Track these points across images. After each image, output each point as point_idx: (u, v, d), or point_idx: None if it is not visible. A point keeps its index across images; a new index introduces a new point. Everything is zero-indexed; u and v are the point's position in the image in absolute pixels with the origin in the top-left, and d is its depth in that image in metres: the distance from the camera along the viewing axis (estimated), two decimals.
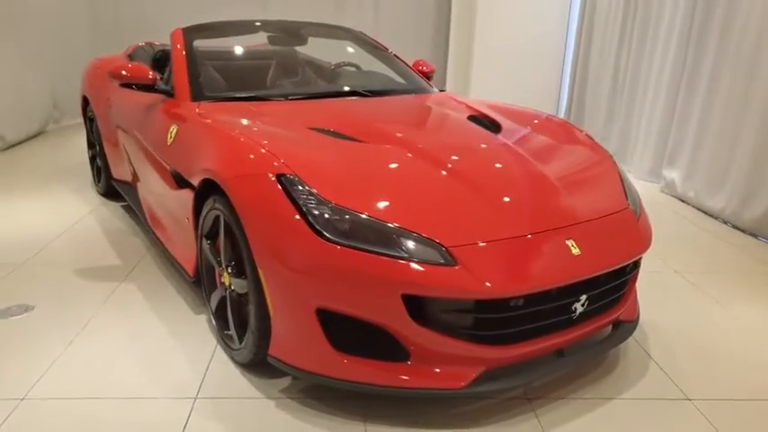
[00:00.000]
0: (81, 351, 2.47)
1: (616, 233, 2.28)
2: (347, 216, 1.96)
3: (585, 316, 2.18)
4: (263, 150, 2.17)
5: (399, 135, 2.56)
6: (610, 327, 2.40)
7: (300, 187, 2.01)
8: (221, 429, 2.02)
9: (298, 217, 1.95)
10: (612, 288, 2.26)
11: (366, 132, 2.54)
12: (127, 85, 3.02)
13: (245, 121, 2.60)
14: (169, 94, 3.02)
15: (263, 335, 2.12)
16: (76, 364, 2.37)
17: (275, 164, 2.10)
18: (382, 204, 2.03)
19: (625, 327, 2.42)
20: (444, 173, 2.26)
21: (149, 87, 3.02)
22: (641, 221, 2.43)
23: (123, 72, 2.95)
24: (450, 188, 2.20)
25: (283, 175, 2.05)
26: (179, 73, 3.05)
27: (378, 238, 1.93)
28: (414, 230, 1.95)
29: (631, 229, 2.36)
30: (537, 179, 2.38)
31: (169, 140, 2.76)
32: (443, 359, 1.99)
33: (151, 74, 2.99)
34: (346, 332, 1.98)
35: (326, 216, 1.95)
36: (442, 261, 1.91)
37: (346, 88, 3.39)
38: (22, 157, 5.79)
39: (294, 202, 1.98)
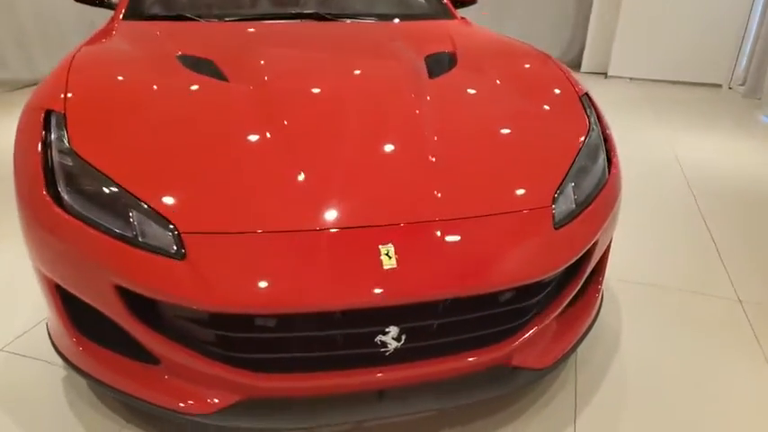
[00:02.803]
0: None
1: (496, 244, 1.52)
2: (88, 175, 1.52)
3: (420, 353, 1.52)
4: (64, 81, 1.79)
5: (274, 73, 1.99)
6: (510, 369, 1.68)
7: (60, 130, 1.62)
8: None
9: (40, 164, 1.57)
10: (473, 322, 1.54)
11: (242, 66, 2.01)
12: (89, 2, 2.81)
13: (117, 45, 2.22)
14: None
15: None
16: None
17: (57, 99, 1.71)
18: (145, 168, 1.55)
19: (521, 374, 1.67)
20: (268, 134, 1.67)
21: (102, 3, 2.77)
22: (565, 231, 1.60)
23: None
24: (257, 154, 1.62)
25: (52, 112, 1.67)
26: None
27: (113, 208, 1.48)
28: (153, 205, 1.46)
29: (533, 240, 1.56)
30: (404, 154, 1.68)
31: None
32: (194, 376, 1.52)
33: None
34: (91, 315, 1.59)
35: (68, 170, 1.54)
36: (171, 251, 1.40)
37: (314, 11, 2.78)
38: None
39: (47, 145, 1.60)
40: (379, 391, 1.55)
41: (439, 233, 1.48)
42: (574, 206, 1.67)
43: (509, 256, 1.51)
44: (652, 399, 1.86)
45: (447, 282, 1.43)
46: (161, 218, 1.43)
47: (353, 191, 1.54)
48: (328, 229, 1.45)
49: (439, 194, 1.56)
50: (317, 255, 1.42)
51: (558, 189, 1.66)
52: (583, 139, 1.84)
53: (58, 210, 1.49)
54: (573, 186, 1.70)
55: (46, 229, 1.52)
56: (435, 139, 1.73)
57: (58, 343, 1.70)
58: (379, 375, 1.50)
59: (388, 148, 1.70)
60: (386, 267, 1.41)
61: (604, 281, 1.96)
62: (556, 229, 1.59)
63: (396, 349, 1.47)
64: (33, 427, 1.69)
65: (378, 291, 1.39)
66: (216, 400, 1.50)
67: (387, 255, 1.42)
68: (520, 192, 1.64)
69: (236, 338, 1.45)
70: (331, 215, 1.47)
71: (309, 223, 1.45)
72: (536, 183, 1.68)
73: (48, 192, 1.52)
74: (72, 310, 1.61)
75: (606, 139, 1.94)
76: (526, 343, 1.65)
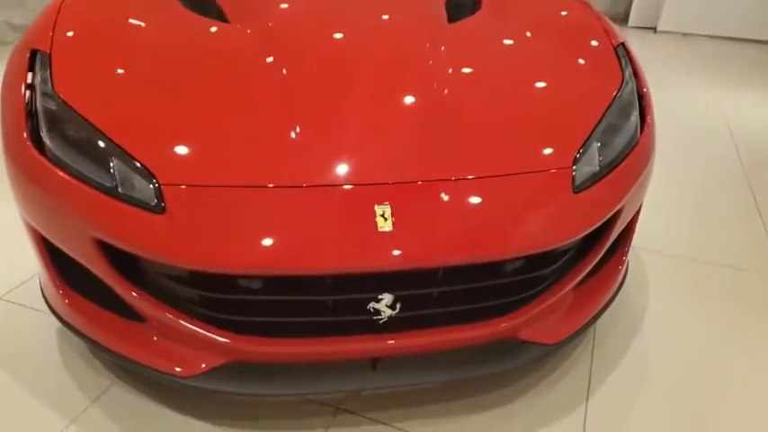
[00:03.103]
0: None
1: (505, 208, 1.38)
2: (70, 120, 1.43)
3: (419, 322, 1.41)
4: (53, 19, 1.68)
5: (280, 16, 1.84)
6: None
7: (44, 71, 1.52)
8: None
9: (23, 107, 1.48)
10: (478, 291, 1.42)
11: (247, 8, 1.86)
12: None
13: None
14: None
15: None
16: None
17: (45, 38, 1.61)
18: (130, 114, 1.44)
19: (529, 349, 1.54)
20: (266, 83, 1.55)
21: None
22: (585, 196, 1.45)
23: None
24: (251, 103, 1.50)
25: (38, 51, 1.57)
26: None
27: (93, 156, 1.38)
28: (135, 154, 1.36)
29: (549, 205, 1.41)
30: (411, 108, 1.54)
31: None
32: (178, 336, 1.45)
33: None
34: (77, 269, 1.52)
35: (50, 114, 1.45)
36: (151, 203, 1.31)
37: None
38: None
39: (31, 87, 1.51)
40: (373, 360, 1.45)
41: (443, 194, 1.35)
42: (597, 168, 1.50)
43: (520, 221, 1.37)
44: (673, 384, 1.71)
45: (448, 248, 1.30)
46: (142, 168, 1.33)
47: (351, 146, 1.41)
48: (320, 185, 1.33)
49: (445, 152, 1.42)
50: (305, 213, 1.30)
51: (580, 148, 1.49)
52: (614, 94, 1.66)
53: (38, 156, 1.40)
54: (599, 146, 1.53)
55: (27, 176, 1.43)
56: (446, 92, 1.57)
57: (47, 295, 1.65)
58: (373, 344, 1.40)
59: (394, 101, 1.55)
60: (381, 230, 1.28)
61: (631, 250, 1.81)
62: (575, 192, 1.43)
63: (391, 317, 1.36)
64: (26, 379, 1.65)
65: (369, 255, 1.27)
66: (201, 363, 1.43)
67: (382, 216, 1.30)
68: (537, 151, 1.48)
69: (219, 299, 1.36)
70: (324, 171, 1.35)
71: (299, 179, 1.33)
72: (557, 141, 1.51)
73: (29, 136, 1.43)
74: (58, 262, 1.54)
75: (642, 96, 1.75)
76: (537, 316, 1.51)
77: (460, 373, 1.48)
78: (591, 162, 1.50)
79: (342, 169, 1.35)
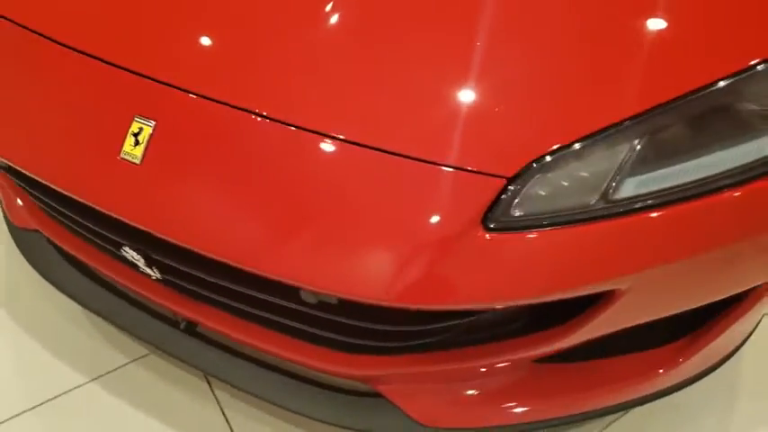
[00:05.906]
0: None
1: (354, 198, 0.74)
2: None
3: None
4: None
5: None
6: None
7: None
8: None
9: None
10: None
11: None
12: None
13: None
14: None
15: None
16: None
17: None
18: None
19: (384, 413, 0.96)
20: None
21: None
22: (510, 243, 0.71)
23: None
24: None
25: None
26: None
27: None
28: None
29: (418, 228, 0.72)
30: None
31: None
32: None
33: None
34: None
35: None
36: None
37: None
38: None
39: None
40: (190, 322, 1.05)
41: (250, 139, 0.78)
42: (596, 199, 0.73)
43: (354, 225, 0.73)
44: None
45: (217, 233, 0.77)
46: None
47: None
48: (81, 55, 0.86)
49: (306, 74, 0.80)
50: (38, 86, 0.89)
51: (559, 148, 0.72)
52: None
53: None
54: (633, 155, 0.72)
55: None
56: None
57: None
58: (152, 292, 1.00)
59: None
60: (122, 156, 0.80)
61: None
62: (489, 229, 0.72)
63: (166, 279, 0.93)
64: None
65: (92, 183, 0.83)
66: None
67: (135, 135, 0.80)
68: (455, 125, 0.75)
69: None
70: (89, 30, 0.88)
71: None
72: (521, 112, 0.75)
73: None
74: None
75: None
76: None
77: (297, 405, 0.99)
78: (568, 185, 0.72)
79: (114, 36, 0.86)
